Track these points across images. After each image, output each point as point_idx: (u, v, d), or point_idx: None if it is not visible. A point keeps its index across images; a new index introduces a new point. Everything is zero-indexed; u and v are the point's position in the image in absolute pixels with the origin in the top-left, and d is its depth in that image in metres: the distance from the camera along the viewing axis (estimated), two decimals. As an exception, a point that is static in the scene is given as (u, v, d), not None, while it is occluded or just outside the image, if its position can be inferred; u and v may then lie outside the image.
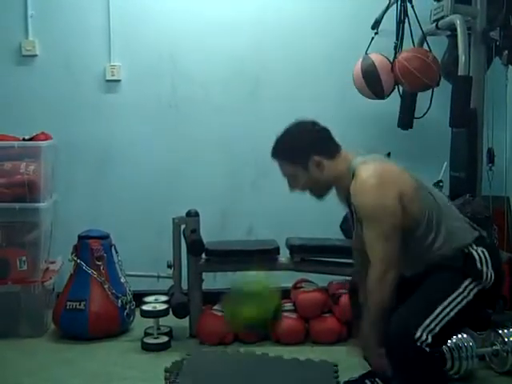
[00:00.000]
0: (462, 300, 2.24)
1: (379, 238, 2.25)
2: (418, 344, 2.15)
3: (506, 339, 2.89)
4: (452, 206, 2.47)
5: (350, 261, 3.52)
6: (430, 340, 2.15)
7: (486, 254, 2.29)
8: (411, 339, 2.15)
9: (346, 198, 2.42)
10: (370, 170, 2.28)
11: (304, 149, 2.37)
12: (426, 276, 2.32)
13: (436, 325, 2.18)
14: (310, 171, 2.36)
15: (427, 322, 2.18)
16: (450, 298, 2.23)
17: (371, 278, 2.29)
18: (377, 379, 2.71)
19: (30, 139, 3.58)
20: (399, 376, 2.29)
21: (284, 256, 3.50)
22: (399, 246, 2.26)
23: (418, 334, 2.16)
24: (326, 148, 2.39)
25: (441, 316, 2.20)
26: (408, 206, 2.27)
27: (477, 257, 2.28)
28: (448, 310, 2.21)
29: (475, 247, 2.31)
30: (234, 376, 2.78)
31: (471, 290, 2.25)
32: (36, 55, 3.90)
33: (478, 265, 2.27)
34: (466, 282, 2.26)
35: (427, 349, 2.15)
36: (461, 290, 2.24)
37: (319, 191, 2.42)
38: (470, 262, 2.28)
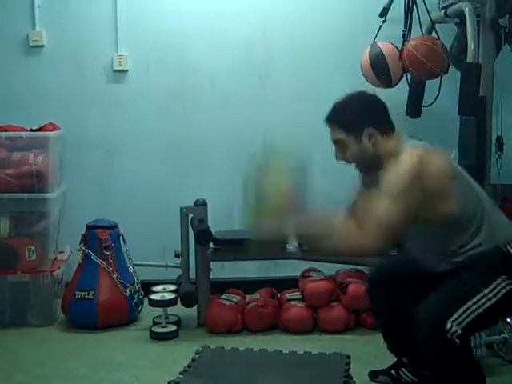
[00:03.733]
0: (492, 297, 2.21)
1: (387, 213, 2.17)
2: (449, 336, 2.15)
3: (515, 327, 2.88)
4: (491, 200, 2.42)
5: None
6: (459, 332, 2.15)
7: None
8: (442, 331, 2.15)
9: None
10: (412, 155, 2.22)
11: (361, 118, 2.31)
12: (458, 269, 2.30)
13: (465, 318, 2.18)
14: (360, 143, 2.30)
15: (456, 315, 2.17)
16: (480, 294, 2.21)
17: (362, 236, 2.19)
18: (402, 369, 2.72)
19: (38, 130, 3.59)
20: (433, 370, 2.30)
21: (292, 245, 3.50)
22: (395, 236, 2.22)
23: (448, 325, 2.15)
24: (383, 123, 2.34)
25: (469, 311, 2.19)
26: (441, 199, 2.23)
27: None
28: (476, 306, 2.20)
29: None
30: (245, 375, 2.74)
31: (503, 288, 2.23)
32: (43, 46, 3.90)
33: None
34: (499, 280, 2.23)
35: (457, 340, 2.15)
36: (492, 286, 2.22)
37: (364, 165, 2.37)
38: (508, 261, 2.26)
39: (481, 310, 2.20)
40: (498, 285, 2.23)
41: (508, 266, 2.26)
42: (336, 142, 2.36)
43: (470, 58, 3.07)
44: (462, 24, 3.30)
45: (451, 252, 2.32)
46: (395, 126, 2.39)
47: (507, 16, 3.16)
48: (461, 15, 3.22)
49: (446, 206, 2.25)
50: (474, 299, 2.20)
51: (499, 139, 3.32)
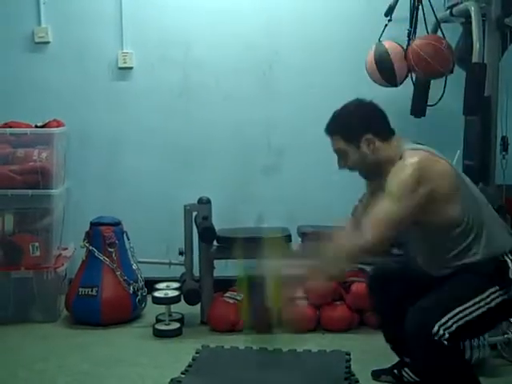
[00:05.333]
0: (483, 305, 2.23)
1: (388, 212, 2.22)
2: (436, 338, 2.15)
3: (518, 328, 2.88)
4: (491, 208, 2.44)
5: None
6: (447, 335, 2.16)
7: None
8: (429, 334, 2.16)
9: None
10: (414, 159, 2.27)
11: (359, 126, 2.36)
12: (453, 275, 2.32)
13: (453, 323, 2.18)
14: (360, 150, 2.35)
15: (444, 319, 2.17)
16: (471, 301, 2.22)
17: (362, 237, 2.26)
18: (405, 368, 2.73)
19: (43, 126, 3.60)
20: (423, 372, 2.32)
21: (296, 244, 3.50)
22: (395, 235, 2.27)
23: (436, 329, 2.16)
24: (381, 129, 2.38)
25: (459, 316, 2.20)
26: (443, 204, 2.26)
27: (510, 265, 2.27)
28: (467, 312, 2.21)
29: (511, 256, 2.30)
30: (245, 373, 2.76)
31: (495, 298, 2.24)
32: (48, 42, 3.91)
33: (510, 274, 2.26)
34: (492, 289, 2.24)
35: (445, 342, 2.16)
36: (484, 295, 2.23)
37: (366, 172, 2.41)
38: (503, 271, 2.27)
39: (470, 317, 2.21)
40: (491, 294, 2.24)
41: (501, 275, 2.27)
42: (337, 151, 2.42)
43: (475, 58, 3.06)
44: (467, 23, 3.28)
45: (448, 259, 2.33)
46: (395, 131, 2.42)
47: (513, 16, 3.16)
48: (466, 15, 3.21)
49: (446, 212, 2.27)
50: (465, 305, 2.21)
51: (504, 139, 3.31)
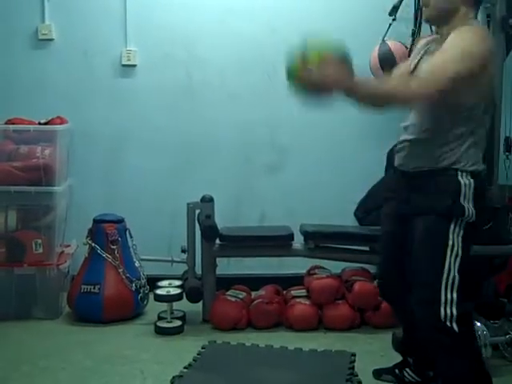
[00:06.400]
0: (457, 252, 2.26)
1: (452, 66, 2.18)
2: (448, 324, 2.22)
3: (520, 328, 2.88)
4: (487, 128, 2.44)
5: (363, 248, 3.54)
6: (455, 312, 2.22)
7: (472, 189, 2.28)
8: (438, 321, 2.23)
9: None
10: (480, 32, 2.31)
11: None
12: (414, 223, 2.34)
13: (450, 292, 2.24)
14: None
15: (442, 297, 2.23)
16: (447, 260, 2.26)
17: (416, 81, 2.26)
18: (406, 369, 2.74)
19: (46, 123, 3.60)
20: (438, 361, 2.35)
21: (298, 242, 3.50)
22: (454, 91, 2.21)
23: (442, 312, 2.23)
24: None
25: (449, 282, 2.25)
26: (482, 84, 2.26)
27: (463, 190, 2.28)
28: (452, 273, 2.25)
29: (468, 178, 2.29)
30: (249, 370, 2.76)
31: (458, 234, 2.27)
32: (52, 39, 3.91)
33: (462, 200, 2.27)
34: (451, 228, 2.27)
35: (456, 328, 2.22)
36: (451, 242, 2.26)
37: (440, 12, 2.37)
38: (456, 196, 2.27)
39: (456, 273, 2.25)
40: (453, 234, 2.27)
41: (456, 206, 2.27)
42: None
43: (479, 58, 3.06)
44: (471, 24, 3.28)
45: (436, 144, 2.31)
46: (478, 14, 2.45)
47: (517, 16, 3.15)
48: (471, 15, 3.21)
49: (469, 94, 2.25)
50: (445, 269, 2.25)
51: (507, 140, 3.31)
